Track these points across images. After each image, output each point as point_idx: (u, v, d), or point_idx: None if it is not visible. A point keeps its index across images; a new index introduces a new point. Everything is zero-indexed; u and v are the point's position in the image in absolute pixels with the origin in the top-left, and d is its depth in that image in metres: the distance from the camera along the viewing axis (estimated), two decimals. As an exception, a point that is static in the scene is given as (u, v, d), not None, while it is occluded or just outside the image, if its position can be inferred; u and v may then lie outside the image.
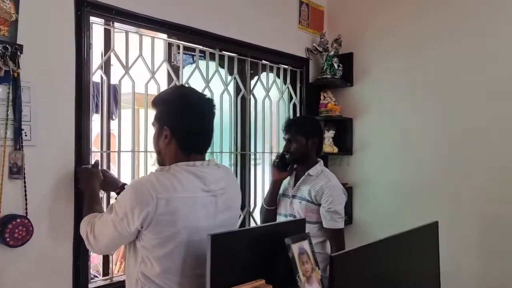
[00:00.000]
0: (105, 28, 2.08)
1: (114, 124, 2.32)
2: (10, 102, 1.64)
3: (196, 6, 2.38)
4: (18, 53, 1.64)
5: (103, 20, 2.03)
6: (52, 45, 1.79)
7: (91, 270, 3.48)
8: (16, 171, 1.65)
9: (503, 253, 2.58)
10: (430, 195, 2.86)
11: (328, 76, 3.13)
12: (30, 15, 1.70)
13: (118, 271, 2.31)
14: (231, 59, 2.68)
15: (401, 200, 2.99)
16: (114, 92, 2.40)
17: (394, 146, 3.04)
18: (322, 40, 3.17)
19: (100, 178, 1.79)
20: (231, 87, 2.72)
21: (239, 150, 2.77)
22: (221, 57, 2.60)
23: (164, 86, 2.31)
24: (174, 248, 1.34)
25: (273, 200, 2.30)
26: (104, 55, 2.09)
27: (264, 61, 2.89)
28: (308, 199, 2.13)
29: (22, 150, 1.66)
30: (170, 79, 2.38)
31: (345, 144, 3.23)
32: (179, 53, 2.39)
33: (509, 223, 2.56)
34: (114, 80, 2.20)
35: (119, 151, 2.11)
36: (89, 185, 1.74)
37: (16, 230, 1.61)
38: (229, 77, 2.67)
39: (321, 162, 2.23)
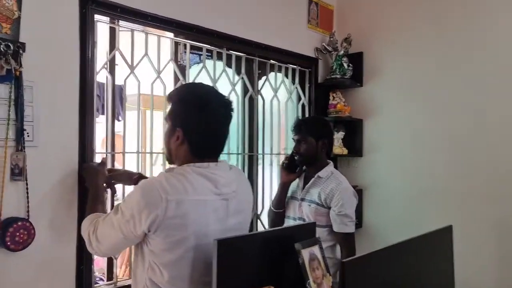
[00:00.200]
0: (110, 27, 2.04)
1: (120, 125, 2.28)
2: (12, 101, 1.60)
3: (203, 4, 2.34)
4: (21, 52, 1.61)
5: (108, 18, 1.99)
6: (56, 43, 1.75)
7: (96, 273, 3.47)
8: (18, 172, 1.61)
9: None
10: (443, 198, 2.79)
11: (338, 76, 3.08)
12: (33, 13, 1.66)
13: (122, 275, 2.26)
14: (238, 58, 2.63)
15: (412, 203, 2.92)
16: (119, 93, 2.36)
17: (405, 147, 2.98)
18: (332, 39, 3.12)
19: (106, 176, 1.74)
20: (238, 87, 2.67)
21: (246, 151, 2.72)
22: (229, 57, 2.56)
23: (170, 86, 2.26)
24: (183, 254, 1.28)
25: (281, 202, 2.24)
26: (109, 54, 2.05)
27: (272, 61, 2.84)
28: (317, 202, 2.07)
29: (24, 151, 1.62)
30: (176, 79, 2.33)
31: (354, 146, 3.17)
32: (185, 52, 2.34)
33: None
34: (119, 80, 2.16)
35: (123, 152, 2.07)
36: (93, 183, 1.69)
37: (17, 234, 1.57)
38: (236, 77, 2.63)
39: (331, 163, 2.17)
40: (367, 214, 3.12)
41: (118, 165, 2.21)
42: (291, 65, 2.98)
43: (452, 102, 2.78)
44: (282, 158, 2.86)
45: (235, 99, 2.63)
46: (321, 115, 3.05)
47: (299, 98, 3.09)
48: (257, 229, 2.73)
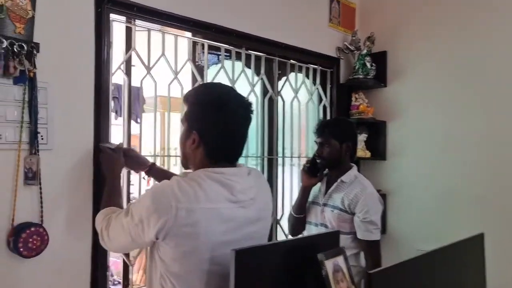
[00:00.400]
0: (126, 26, 1.99)
1: (138, 127, 2.22)
2: (25, 103, 1.56)
3: (221, 3, 2.28)
4: (34, 52, 1.57)
5: (124, 17, 1.94)
6: (71, 43, 1.71)
7: (115, 277, 3.45)
8: (32, 176, 1.57)
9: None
10: (473, 203, 2.67)
11: (360, 76, 3.00)
12: (48, 12, 1.62)
13: (140, 281, 2.21)
14: (258, 58, 2.56)
15: (439, 209, 2.81)
16: (137, 94, 2.31)
17: (432, 151, 2.87)
18: (354, 38, 3.03)
19: (122, 163, 1.70)
20: (258, 88, 2.61)
21: (266, 154, 2.65)
22: (248, 57, 2.49)
23: (187, 87, 2.20)
24: (195, 266, 1.21)
25: (302, 207, 2.16)
26: (125, 55, 2.00)
27: (292, 61, 2.77)
28: (341, 208, 1.98)
29: (38, 154, 1.58)
30: (194, 79, 2.27)
31: (378, 149, 3.08)
32: (203, 52, 2.28)
33: None
34: (135, 82, 2.10)
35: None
36: (108, 171, 1.65)
37: (30, 240, 1.52)
38: (255, 78, 2.56)
39: (355, 167, 2.08)
40: (391, 220, 3.01)
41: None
42: (312, 65, 2.90)
43: (481, 102, 2.66)
44: (302, 161, 2.79)
45: (254, 100, 2.56)
46: (343, 116, 2.96)
47: (320, 99, 3.01)
48: (276, 235, 2.65)
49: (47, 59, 1.60)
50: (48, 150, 1.62)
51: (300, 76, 2.85)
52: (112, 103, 3.87)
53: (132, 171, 1.91)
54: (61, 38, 1.67)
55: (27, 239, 1.51)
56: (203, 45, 2.28)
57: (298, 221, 2.17)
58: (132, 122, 2.19)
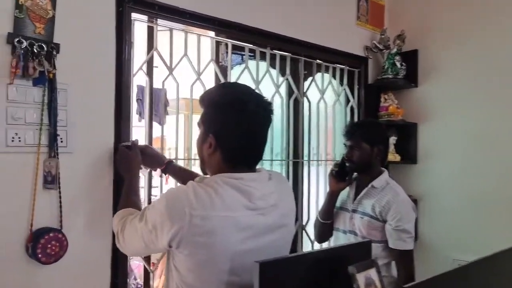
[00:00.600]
0: (148, 26, 1.94)
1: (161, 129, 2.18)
2: (45, 105, 1.52)
3: (246, 1, 2.21)
4: (54, 53, 1.53)
5: (146, 16, 1.90)
6: (91, 44, 1.66)
7: (138, 280, 3.42)
8: (51, 180, 1.52)
9: None
10: (511, 209, 2.50)
11: (390, 76, 2.88)
12: (68, 12, 1.58)
13: (162, 287, 2.15)
14: (283, 58, 2.49)
15: (474, 215, 2.66)
16: (159, 96, 2.26)
17: (465, 153, 2.73)
18: (383, 36, 2.92)
19: (139, 161, 1.65)
20: (283, 89, 2.53)
21: (291, 157, 2.57)
22: (273, 57, 2.42)
23: (211, 88, 2.14)
24: (212, 276, 1.14)
25: (329, 213, 2.06)
26: (147, 55, 1.95)
27: (319, 61, 2.68)
28: (371, 215, 1.88)
29: (57, 157, 1.54)
30: (217, 80, 2.21)
31: (408, 152, 2.95)
32: (227, 52, 2.22)
33: None
34: (158, 83, 2.05)
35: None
36: (125, 170, 1.61)
37: (49, 245, 1.48)
38: (280, 78, 2.49)
39: (386, 172, 1.97)
40: (422, 226, 2.87)
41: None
42: (339, 65, 2.80)
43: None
44: (329, 164, 2.69)
45: (279, 101, 2.49)
46: (374, 118, 2.85)
47: (348, 100, 2.90)
48: (302, 241, 2.56)
49: (67, 59, 1.57)
50: (67, 153, 1.57)
51: (327, 76, 2.76)
52: (135, 105, 3.87)
53: (148, 169, 1.85)
54: (82, 38, 1.63)
55: (46, 245, 1.47)
56: (226, 44, 2.22)
57: (325, 227, 2.08)
58: (156, 124, 2.15)
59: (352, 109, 2.91)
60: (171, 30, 1.97)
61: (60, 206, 1.55)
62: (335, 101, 2.81)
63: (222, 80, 2.16)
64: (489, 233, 2.52)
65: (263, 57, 2.37)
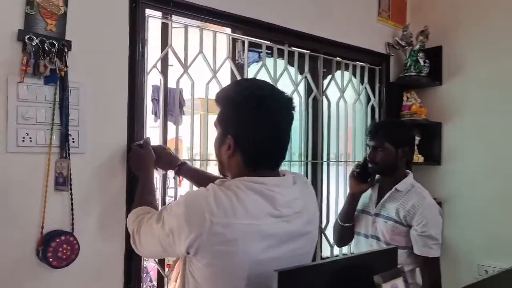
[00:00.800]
0: (162, 22, 1.89)
1: (179, 129, 2.12)
2: (56, 104, 1.47)
3: (263, -3, 2.14)
4: (66, 50, 1.48)
5: (160, 13, 1.84)
6: (104, 41, 1.61)
7: (154, 283, 3.38)
8: (62, 181, 1.48)
9: None
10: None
11: (413, 74, 2.78)
12: (80, 8, 1.53)
13: (176, 291, 2.09)
14: (301, 56, 2.41)
15: (501, 219, 2.56)
16: (176, 95, 2.21)
17: (493, 154, 2.62)
18: (405, 33, 2.81)
19: (153, 158, 1.60)
20: (301, 87, 2.45)
21: (310, 158, 2.50)
22: (291, 54, 2.34)
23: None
24: (228, 286, 1.08)
25: (350, 216, 1.98)
26: (161, 53, 1.89)
27: (338, 58, 2.59)
28: (395, 219, 1.79)
29: (69, 158, 1.49)
30: (233, 79, 2.15)
31: (432, 153, 2.85)
32: (243, 49, 2.15)
33: None
34: (172, 83, 2.00)
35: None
36: (138, 169, 1.56)
37: (60, 249, 1.43)
38: (299, 76, 2.41)
39: (411, 175, 1.87)
40: (447, 230, 2.75)
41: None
42: (359, 63, 2.71)
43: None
44: (349, 165, 2.60)
45: (298, 100, 2.41)
46: (399, 118, 2.76)
47: (369, 99, 2.81)
48: (321, 245, 2.47)
49: (79, 57, 1.52)
50: (79, 154, 1.53)
51: (347, 74, 2.67)
52: (150, 105, 3.83)
53: (161, 171, 1.80)
54: (94, 35, 1.58)
55: (57, 248, 1.43)
56: (243, 42, 2.16)
57: (346, 230, 1.99)
58: (172, 124, 2.09)
59: (373, 108, 2.82)
60: (186, 27, 1.91)
61: (72, 209, 1.50)
62: (355, 100, 2.72)
63: (239, 78, 2.10)
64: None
65: (280, 54, 2.29)
